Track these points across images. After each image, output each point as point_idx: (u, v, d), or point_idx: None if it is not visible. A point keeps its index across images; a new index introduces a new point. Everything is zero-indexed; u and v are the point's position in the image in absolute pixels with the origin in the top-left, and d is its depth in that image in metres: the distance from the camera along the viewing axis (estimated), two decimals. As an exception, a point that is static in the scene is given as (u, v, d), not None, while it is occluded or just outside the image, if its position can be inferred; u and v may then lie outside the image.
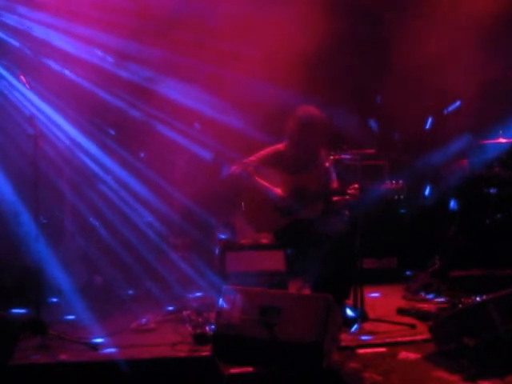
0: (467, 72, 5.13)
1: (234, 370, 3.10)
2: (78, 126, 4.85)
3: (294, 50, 4.95)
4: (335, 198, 4.03)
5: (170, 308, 4.21)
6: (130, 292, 4.57)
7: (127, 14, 4.99)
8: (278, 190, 4.03)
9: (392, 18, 5.32)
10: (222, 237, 4.35)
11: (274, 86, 5.02)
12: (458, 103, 5.34)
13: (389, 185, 3.94)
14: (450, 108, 5.37)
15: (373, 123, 5.22)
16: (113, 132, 4.98)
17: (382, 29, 5.37)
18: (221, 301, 3.21)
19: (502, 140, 4.69)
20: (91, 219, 4.71)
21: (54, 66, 4.88)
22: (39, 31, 4.90)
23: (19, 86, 3.74)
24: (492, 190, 4.64)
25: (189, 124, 5.13)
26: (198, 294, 4.61)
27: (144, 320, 3.96)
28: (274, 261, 4.04)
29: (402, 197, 3.92)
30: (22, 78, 3.71)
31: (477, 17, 4.98)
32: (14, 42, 4.83)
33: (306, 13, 5.08)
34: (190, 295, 4.61)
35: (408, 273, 4.94)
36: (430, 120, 5.35)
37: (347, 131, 4.80)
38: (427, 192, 5.06)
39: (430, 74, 5.21)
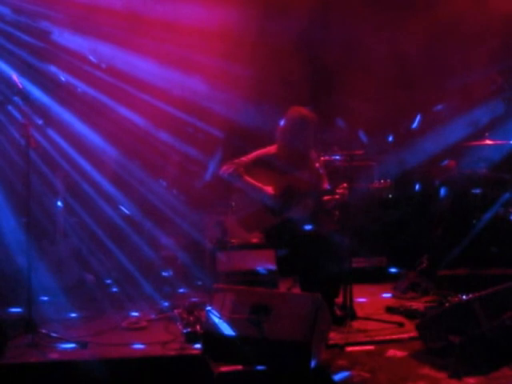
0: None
1: (224, 368, 3.13)
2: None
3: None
4: (325, 198, 4.08)
5: (162, 306, 4.23)
6: (118, 289, 4.57)
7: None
8: (269, 189, 4.07)
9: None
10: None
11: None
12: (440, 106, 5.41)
13: (377, 184, 4.00)
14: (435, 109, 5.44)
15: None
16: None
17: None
18: (211, 299, 3.24)
19: (489, 142, 4.76)
20: (83, 218, 4.72)
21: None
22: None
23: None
24: (479, 191, 4.72)
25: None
26: (190, 293, 4.64)
27: (135, 318, 3.98)
28: (265, 260, 4.07)
29: (390, 196, 3.98)
30: (14, 77, 3.71)
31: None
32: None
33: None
34: (182, 294, 4.64)
35: (396, 271, 5.00)
36: (418, 118, 5.41)
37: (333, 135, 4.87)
38: (417, 188, 5.13)
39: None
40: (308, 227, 3.96)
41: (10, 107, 4.39)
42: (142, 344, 3.51)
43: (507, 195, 4.63)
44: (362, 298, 4.32)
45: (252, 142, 4.57)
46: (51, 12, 4.99)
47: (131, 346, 3.49)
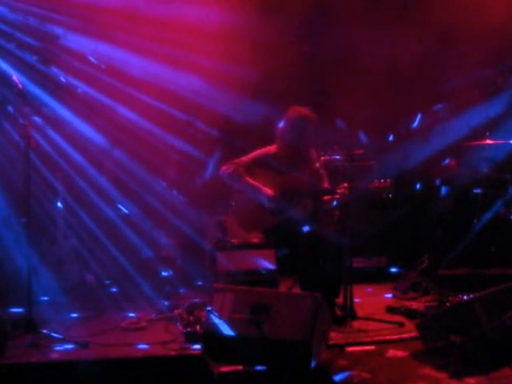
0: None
1: (224, 369, 3.13)
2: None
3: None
4: (325, 198, 4.08)
5: (162, 306, 4.23)
6: (118, 290, 4.57)
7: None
8: (269, 190, 4.07)
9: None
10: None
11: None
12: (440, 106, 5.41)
13: (377, 183, 3.99)
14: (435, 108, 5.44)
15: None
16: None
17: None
18: (211, 299, 3.24)
19: (489, 141, 4.75)
20: (84, 218, 4.73)
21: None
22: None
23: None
24: (479, 191, 4.71)
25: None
26: (189, 293, 4.64)
27: (135, 318, 3.98)
28: (265, 260, 4.07)
29: (390, 195, 3.97)
30: (14, 78, 3.71)
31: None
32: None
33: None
34: (182, 294, 4.64)
35: (397, 271, 5.00)
36: (418, 117, 5.40)
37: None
38: (417, 188, 5.13)
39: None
40: (306, 229, 3.95)
41: (10, 107, 4.40)
42: (142, 344, 3.51)
43: (508, 195, 4.63)
44: (362, 298, 4.31)
45: (251, 141, 4.57)
46: (50, 12, 5.00)
47: (131, 346, 3.48)
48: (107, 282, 4.63)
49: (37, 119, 4.46)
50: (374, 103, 5.27)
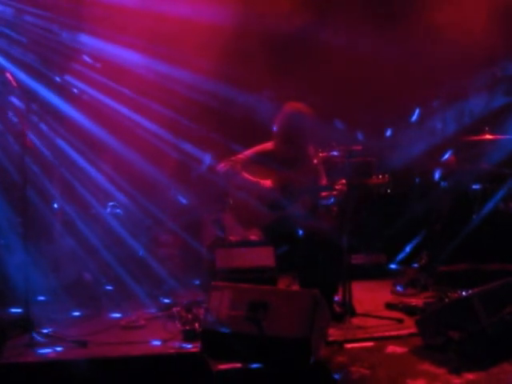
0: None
1: (223, 366, 3.11)
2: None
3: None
4: (323, 194, 4.07)
5: (160, 305, 4.22)
6: (113, 288, 4.56)
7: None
8: (267, 182, 4.06)
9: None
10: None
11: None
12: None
13: (375, 179, 3.98)
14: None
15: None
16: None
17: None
18: (209, 297, 3.23)
19: (489, 136, 4.74)
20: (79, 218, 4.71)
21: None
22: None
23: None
24: (479, 186, 4.70)
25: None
26: (188, 291, 4.63)
27: (133, 317, 3.98)
28: (264, 257, 4.06)
29: (388, 191, 3.97)
30: (8, 75, 3.68)
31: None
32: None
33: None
34: (180, 292, 4.64)
35: (396, 267, 4.99)
36: (417, 111, 5.38)
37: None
38: (416, 184, 5.12)
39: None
40: (300, 232, 3.94)
41: (6, 107, 4.37)
42: (141, 342, 3.50)
43: (505, 189, 4.62)
44: (361, 295, 4.30)
45: (249, 138, 4.56)
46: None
47: (130, 345, 3.47)
48: (105, 280, 4.62)
49: (33, 118, 4.44)
50: (374, 99, 5.25)
